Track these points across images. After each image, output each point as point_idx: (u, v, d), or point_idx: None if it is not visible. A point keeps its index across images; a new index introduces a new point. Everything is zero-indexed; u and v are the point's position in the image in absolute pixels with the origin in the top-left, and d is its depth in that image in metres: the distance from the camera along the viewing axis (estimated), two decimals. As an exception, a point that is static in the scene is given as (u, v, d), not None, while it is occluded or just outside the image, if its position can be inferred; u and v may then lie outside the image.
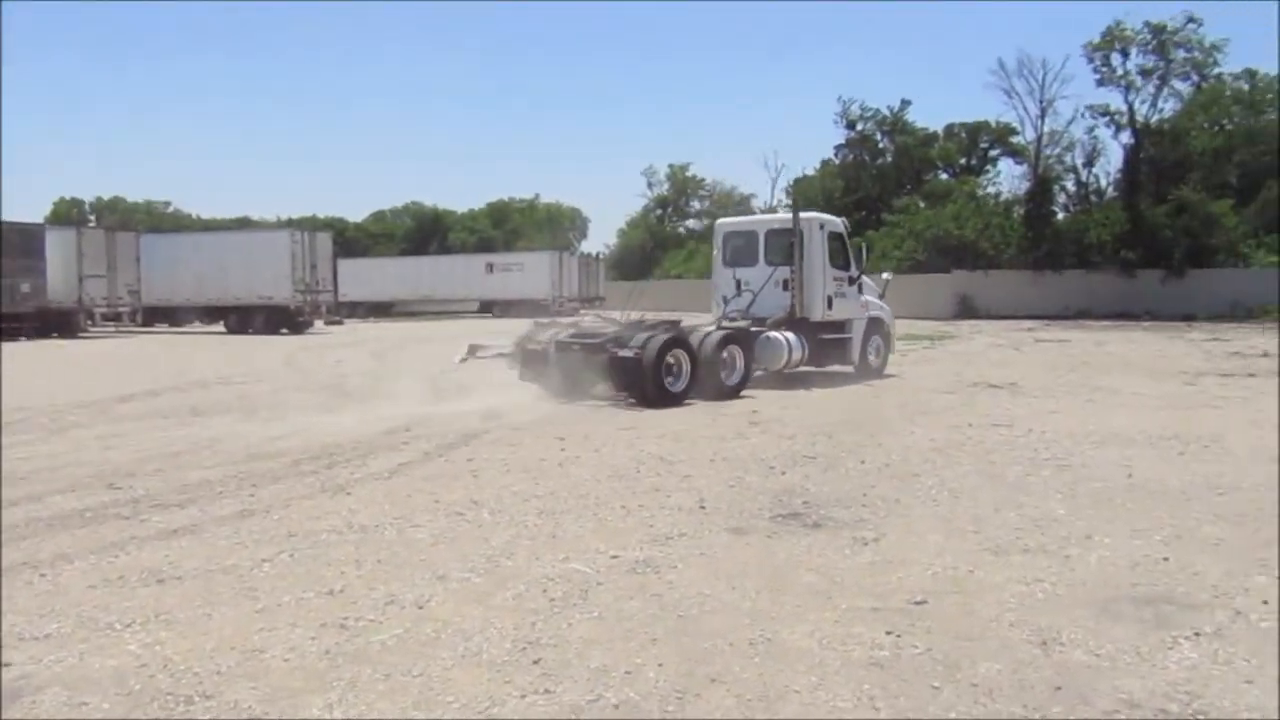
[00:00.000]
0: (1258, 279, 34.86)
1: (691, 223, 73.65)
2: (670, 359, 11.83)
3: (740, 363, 12.67)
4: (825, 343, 14.06)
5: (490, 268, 48.06)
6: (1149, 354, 19.51)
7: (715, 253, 14.83)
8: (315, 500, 6.63)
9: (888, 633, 4.06)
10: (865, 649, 3.90)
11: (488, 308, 46.63)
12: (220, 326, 33.99)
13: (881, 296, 15.64)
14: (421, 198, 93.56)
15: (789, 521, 5.93)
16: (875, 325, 15.12)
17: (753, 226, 14.96)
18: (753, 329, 13.31)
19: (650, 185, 73.09)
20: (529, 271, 46.66)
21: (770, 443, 8.77)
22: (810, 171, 55.62)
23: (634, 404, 11.65)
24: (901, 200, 49.59)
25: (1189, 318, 33.24)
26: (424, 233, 74.40)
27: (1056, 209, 44.02)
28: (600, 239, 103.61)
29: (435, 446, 8.75)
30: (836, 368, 14.68)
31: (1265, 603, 4.39)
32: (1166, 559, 5.08)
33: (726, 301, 14.33)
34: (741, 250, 14.52)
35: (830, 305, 14.16)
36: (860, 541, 5.45)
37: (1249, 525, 5.75)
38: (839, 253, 14.39)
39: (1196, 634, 4.04)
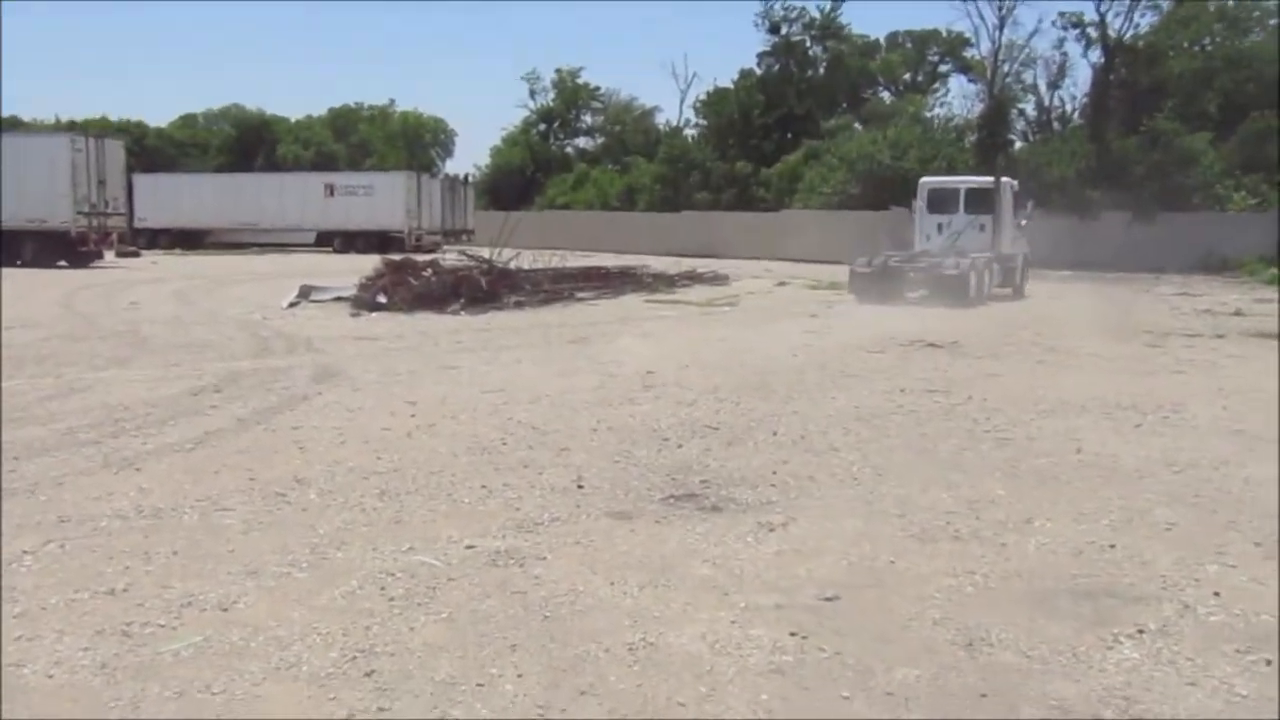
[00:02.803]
0: (1234, 224, 36.67)
1: (582, 141, 73.26)
2: (974, 276, 20.60)
3: (988, 280, 21.74)
4: (1006, 270, 23.11)
5: (330, 190, 46.83)
6: (1110, 309, 20.40)
7: (919, 203, 23.80)
8: (95, 477, 6.43)
9: (792, 634, 4.18)
10: (765, 653, 4.02)
11: (327, 240, 45.60)
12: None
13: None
14: (244, 100, 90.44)
15: (683, 504, 6.03)
16: (1025, 259, 24.58)
17: (955, 185, 24.41)
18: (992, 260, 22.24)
19: (533, 94, 72.17)
20: (379, 196, 45.69)
21: (665, 410, 8.88)
22: (727, 83, 55.89)
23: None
24: (834, 121, 50.36)
25: (1158, 269, 34.78)
26: (247, 144, 71.87)
27: (1014, 137, 45.49)
28: (469, 158, 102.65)
29: (252, 411, 8.61)
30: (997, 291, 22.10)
31: (1216, 595, 4.69)
32: (1113, 546, 5.37)
33: (929, 239, 23.18)
34: (944, 202, 23.52)
35: (1011, 245, 23.50)
36: (766, 527, 5.59)
37: (1205, 507, 6.11)
38: (1016, 206, 23.97)
39: (1140, 631, 4.28)
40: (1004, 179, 23.78)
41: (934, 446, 7.65)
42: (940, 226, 23.26)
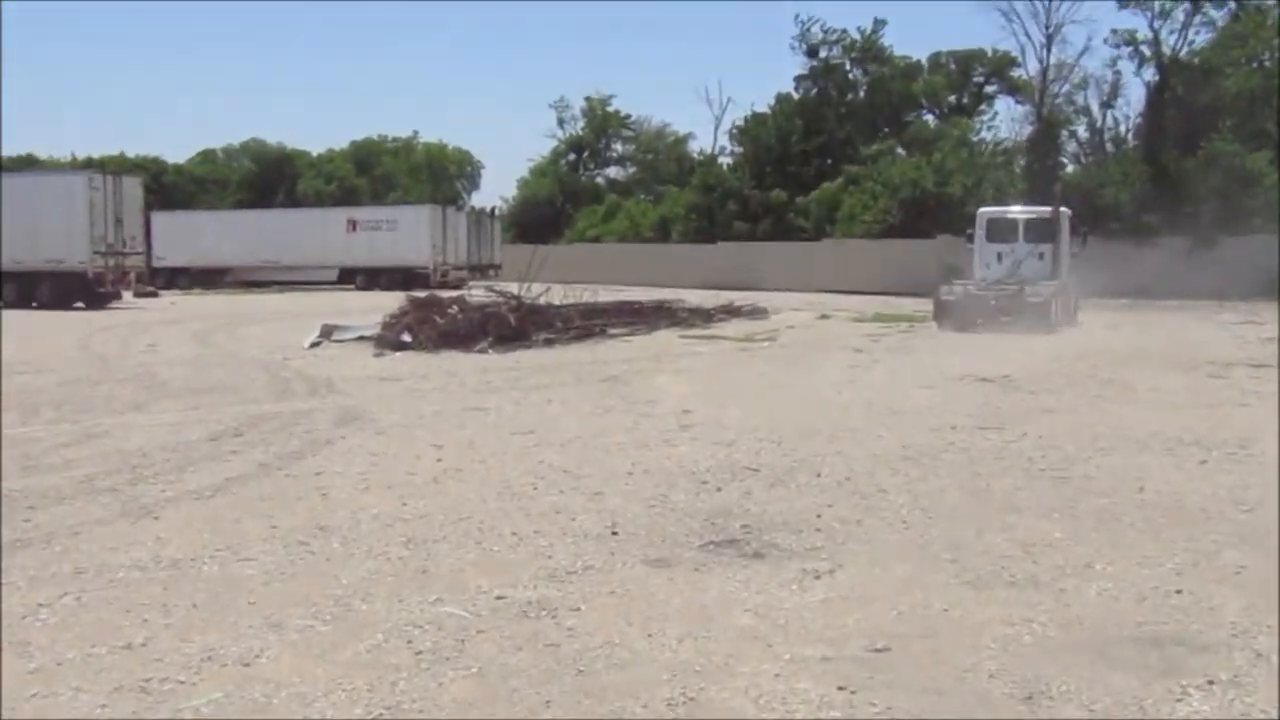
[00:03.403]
0: (1301, 249, 36.25)
1: (613, 171, 73.78)
2: (1054, 303, 22.15)
3: (1063, 309, 23.18)
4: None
5: (353, 225, 47.39)
6: (1171, 340, 20.22)
7: (979, 231, 25.17)
8: (113, 526, 6.49)
9: (840, 688, 4.14)
10: (812, 708, 3.98)
11: (350, 277, 46.05)
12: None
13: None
14: (265, 134, 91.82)
15: (723, 550, 6.00)
16: (1075, 289, 25.56)
17: (1014, 215, 25.87)
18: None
19: (562, 123, 72.92)
20: (403, 231, 46.15)
21: (702, 451, 8.86)
22: (763, 108, 56.12)
23: (554, 400, 11.71)
24: (875, 146, 50.40)
25: (1220, 296, 34.41)
26: (267, 179, 72.94)
27: (1065, 160, 45.33)
28: (496, 190, 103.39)
29: (274, 456, 8.66)
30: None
31: (1293, 644, 4.60)
32: (1179, 591, 5.28)
33: (989, 267, 24.44)
34: (1003, 231, 24.91)
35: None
36: (811, 574, 5.55)
37: (1277, 549, 6.01)
38: (1072, 235, 25.45)
39: (1210, 682, 4.21)
40: (1064, 210, 25.37)
41: (987, 487, 7.58)
42: (1000, 256, 24.55)
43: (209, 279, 46.63)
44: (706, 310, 25.34)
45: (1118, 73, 44.43)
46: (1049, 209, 25.41)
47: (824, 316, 26.87)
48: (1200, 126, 40.49)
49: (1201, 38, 42.91)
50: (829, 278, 41.67)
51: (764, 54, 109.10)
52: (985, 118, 58.58)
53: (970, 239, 26.51)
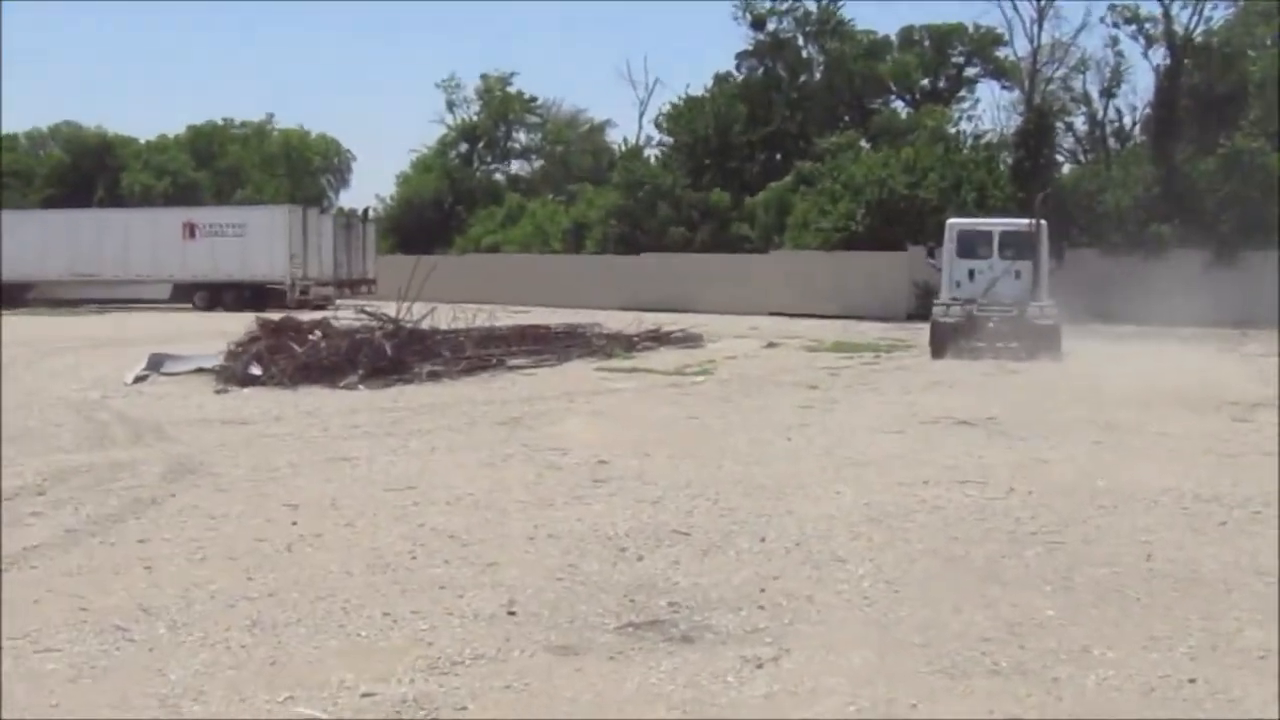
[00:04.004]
0: (1338, 267, 37.14)
1: (516, 165, 73.94)
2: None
3: None
4: None
5: (190, 230, 46.84)
6: (1185, 374, 20.63)
7: (948, 245, 26.18)
8: (-124, 610, 6.30)
9: (786, 803, 4.15)
10: (751, 829, 3.98)
11: (186, 294, 45.53)
12: None
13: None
14: (79, 115, 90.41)
15: (645, 633, 6.00)
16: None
17: (988, 227, 27.09)
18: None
19: (452, 106, 73.06)
20: (253, 237, 45.73)
21: (622, 510, 8.88)
22: (698, 91, 56.62)
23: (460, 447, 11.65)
24: (834, 138, 51.02)
25: (1244, 322, 35.06)
26: (83, 172, 71.83)
27: (1061, 157, 46.27)
28: (370, 188, 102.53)
29: (85, 520, 8.52)
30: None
31: (1326, 742, 4.71)
32: (1193, 680, 5.39)
33: (959, 286, 25.41)
34: (975, 245, 25.96)
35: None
36: (752, 663, 5.57)
37: (1309, 628, 6.16)
38: (1052, 250, 26.73)
39: (1229, 792, 4.29)
40: (1044, 222, 26.46)
41: (966, 554, 7.68)
42: (971, 273, 25.63)
43: (8, 296, 45.64)
44: (629, 337, 25.42)
45: (1120, 54, 45.48)
46: (1027, 221, 26.53)
47: (771, 345, 27.07)
48: (1219, 120, 41.27)
49: (1220, 14, 43.91)
50: (778, 297, 42.06)
51: (699, 25, 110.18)
52: (965, 106, 59.91)
53: (933, 254, 28.17)
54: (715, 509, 8.96)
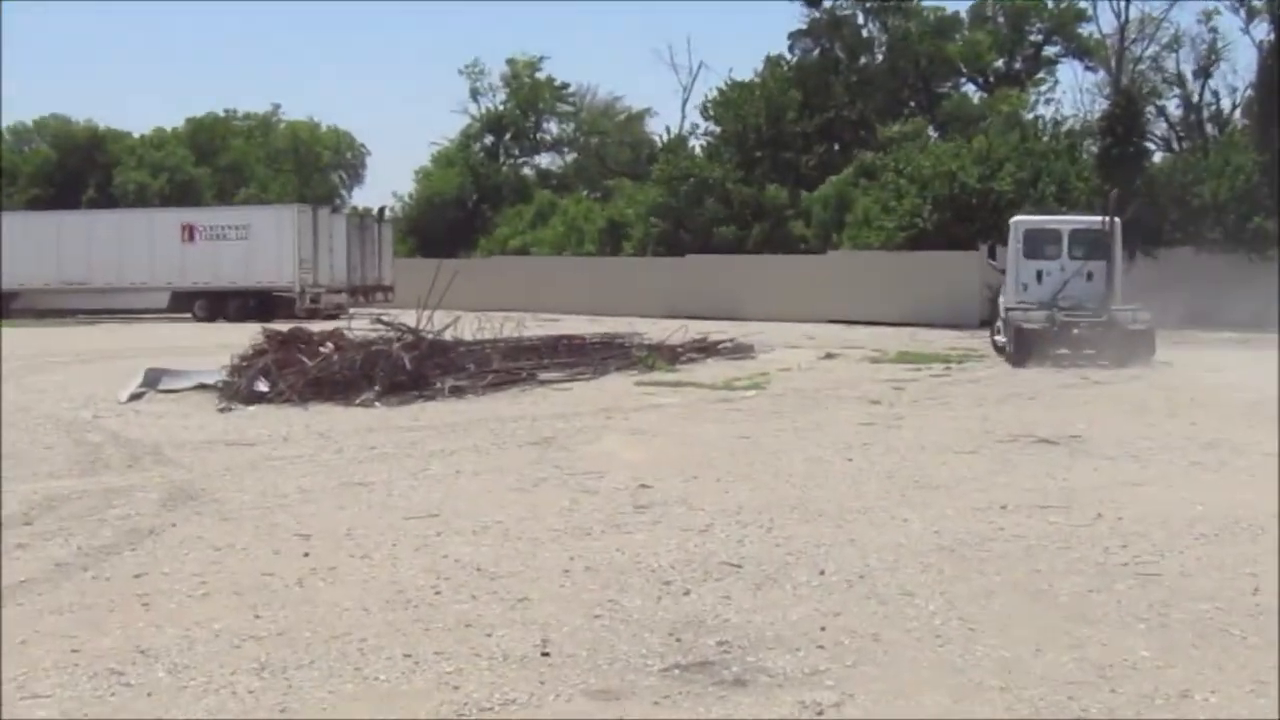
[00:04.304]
0: None
1: (546, 159, 74.00)
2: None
3: None
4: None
5: (190, 233, 47.18)
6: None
7: (1014, 245, 27.56)
8: None
9: None
10: None
11: (186, 303, 45.80)
12: None
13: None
14: (69, 108, 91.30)
15: (693, 676, 6.00)
16: None
17: (1057, 225, 28.30)
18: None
19: (476, 95, 73.35)
20: (259, 240, 45.99)
21: (666, 540, 8.88)
22: (747, 75, 56.64)
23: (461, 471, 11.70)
24: (899, 127, 50.85)
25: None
26: (72, 169, 72.57)
27: (1152, 145, 45.93)
28: (387, 186, 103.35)
29: (77, 552, 8.56)
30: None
31: None
32: (1305, 728, 5.35)
33: (1025, 288, 26.76)
34: (1043, 245, 27.31)
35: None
36: (812, 709, 5.56)
37: None
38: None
39: None
40: (1117, 219, 27.43)
41: (1050, 588, 7.64)
42: (1040, 275, 27.05)
43: (-10, 305, 46.17)
44: (672, 347, 25.41)
45: (1217, 30, 45.24)
46: (1099, 219, 27.42)
47: (829, 355, 27.06)
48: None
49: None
50: (837, 303, 42.00)
51: (747, 3, 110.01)
52: (1044, 89, 59.50)
53: (994, 254, 29.49)
54: (769, 538, 8.96)
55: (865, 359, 26.35)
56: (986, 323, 38.48)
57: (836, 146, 54.09)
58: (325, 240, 46.53)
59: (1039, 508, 10.09)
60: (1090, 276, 26.54)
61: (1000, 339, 28.00)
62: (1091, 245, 26.76)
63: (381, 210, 56.60)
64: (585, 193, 65.64)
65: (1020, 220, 28.98)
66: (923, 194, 43.64)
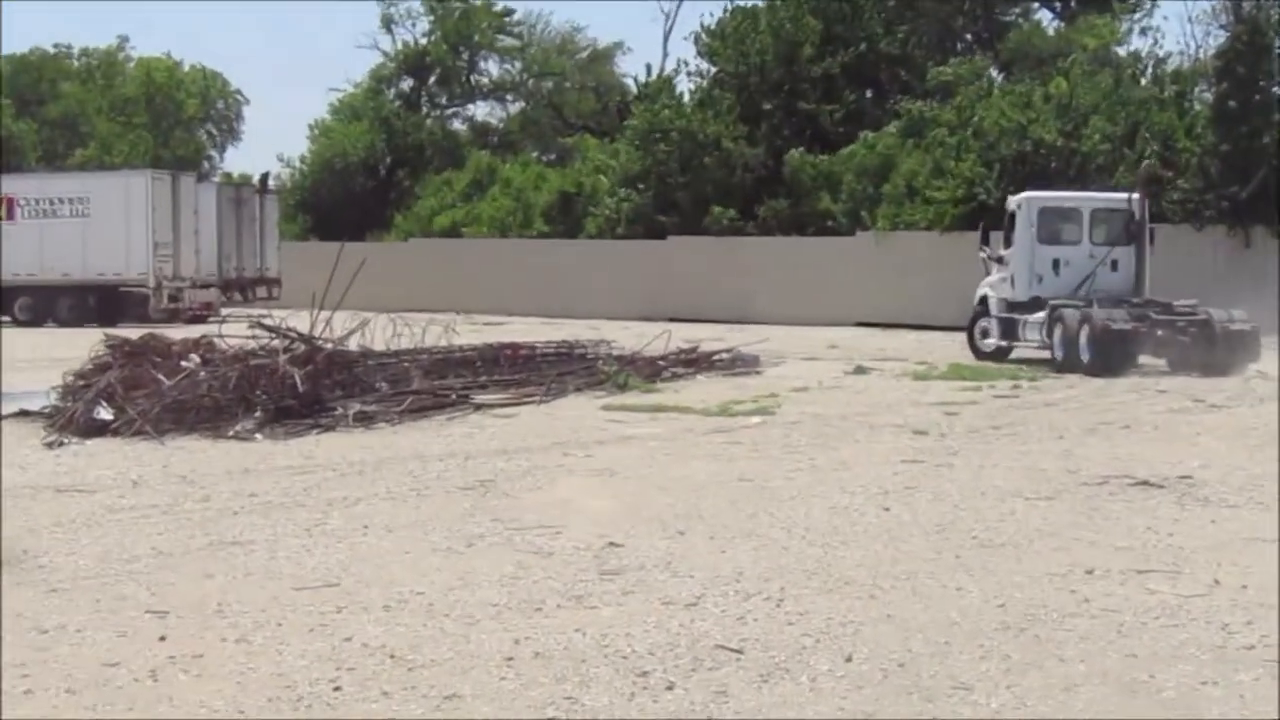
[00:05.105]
0: None
1: (483, 109, 73.86)
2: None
3: None
4: None
5: (8, 208, 47.01)
6: None
7: (1025, 228, 29.26)
8: None
9: None
10: None
11: (3, 301, 45.55)
12: None
13: None
14: None
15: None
16: None
17: (1075, 203, 30.40)
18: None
19: (390, 24, 73.27)
20: (100, 218, 45.84)
21: (642, 616, 8.86)
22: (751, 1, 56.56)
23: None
24: (951, 67, 50.90)
25: None
26: None
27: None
28: (271, 144, 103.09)
29: None
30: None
31: None
32: None
33: (1040, 280, 28.70)
34: (1059, 227, 29.42)
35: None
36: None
37: None
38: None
39: None
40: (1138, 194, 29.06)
41: (1150, 679, 7.66)
42: (1057, 264, 29.28)
43: None
44: (651, 360, 25.43)
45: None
46: (1124, 195, 29.11)
47: (860, 370, 27.16)
48: None
49: None
50: (870, 299, 42.23)
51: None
52: (1140, 18, 59.61)
53: (988, 239, 31.37)
54: (779, 613, 8.94)
55: (907, 374, 26.44)
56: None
57: (869, 93, 54.10)
58: (189, 218, 46.41)
59: (1137, 572, 10.09)
60: (1115, 265, 28.19)
61: (990, 342, 30.02)
62: (1114, 228, 28.60)
63: (264, 178, 56.61)
64: (536, 155, 65.60)
65: (1033, 197, 30.36)
66: (984, 157, 43.63)
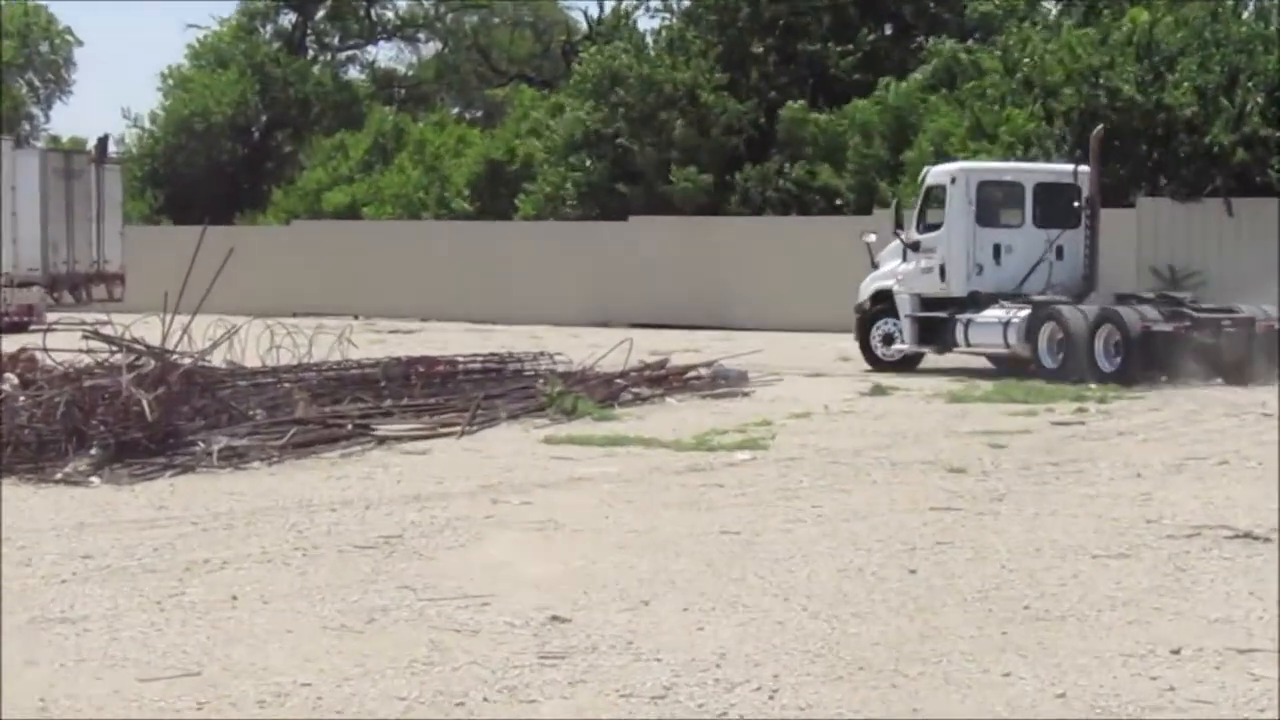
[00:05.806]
0: None
1: (386, 53, 74.05)
2: None
3: None
4: None
5: None
6: None
7: (960, 206, 30.27)
8: None
9: None
10: None
11: None
12: None
13: None
14: None
15: None
16: None
17: (1016, 176, 31.68)
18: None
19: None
20: None
21: (599, 709, 8.84)
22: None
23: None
24: (983, 4, 51.13)
25: None
26: None
27: None
28: (111, 100, 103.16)
29: None
30: None
31: None
32: None
33: (980, 271, 30.03)
34: (998, 207, 30.58)
35: None
36: None
37: None
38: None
39: None
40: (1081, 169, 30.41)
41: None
42: (998, 250, 30.27)
43: None
44: (607, 377, 25.48)
45: None
46: (1070, 168, 30.66)
47: (877, 389, 27.17)
48: None
49: None
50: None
51: None
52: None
53: (901, 221, 32.56)
54: (773, 708, 8.91)
55: (940, 394, 26.54)
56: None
57: (889, 30, 54.35)
58: (4, 195, 46.33)
59: (1235, 651, 10.10)
60: (1060, 253, 29.65)
61: (899, 348, 31.31)
62: (1057, 207, 29.98)
63: (103, 143, 56.52)
64: (456, 111, 65.73)
65: (970, 169, 31.66)
66: (1044, 111, 43.76)
